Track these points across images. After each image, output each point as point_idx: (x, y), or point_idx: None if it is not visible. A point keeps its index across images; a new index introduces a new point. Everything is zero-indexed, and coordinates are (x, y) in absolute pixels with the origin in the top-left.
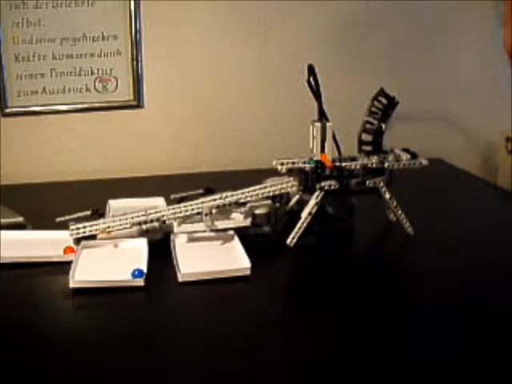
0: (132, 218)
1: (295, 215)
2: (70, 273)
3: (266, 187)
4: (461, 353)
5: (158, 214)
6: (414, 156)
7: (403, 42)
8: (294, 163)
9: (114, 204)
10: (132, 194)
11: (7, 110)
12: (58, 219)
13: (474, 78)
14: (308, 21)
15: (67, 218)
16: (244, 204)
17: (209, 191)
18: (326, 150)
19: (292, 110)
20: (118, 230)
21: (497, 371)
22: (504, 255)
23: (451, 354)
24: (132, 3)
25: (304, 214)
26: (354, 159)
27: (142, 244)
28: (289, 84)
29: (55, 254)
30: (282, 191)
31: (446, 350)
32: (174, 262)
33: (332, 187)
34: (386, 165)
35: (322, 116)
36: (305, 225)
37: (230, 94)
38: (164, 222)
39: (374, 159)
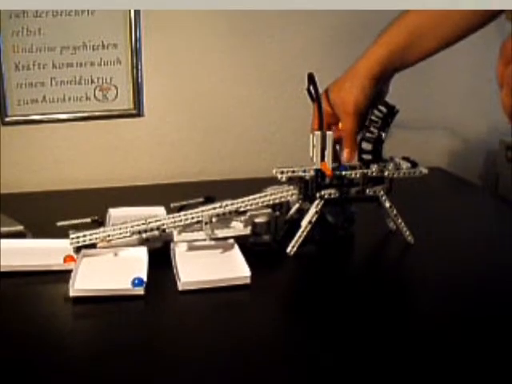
0: (132, 226)
1: (295, 224)
2: (70, 281)
3: (265, 196)
4: (461, 361)
5: (158, 223)
6: (413, 164)
7: None
8: (294, 172)
9: (114, 212)
10: (132, 202)
11: (7, 119)
12: (59, 223)
13: (473, 86)
14: (307, 30)
15: (67, 223)
16: (244, 213)
17: (209, 200)
18: (325, 159)
19: (292, 118)
20: (118, 238)
21: (497, 379)
22: (504, 263)
23: (452, 362)
24: (132, 12)
25: (304, 223)
26: (353, 168)
27: (141, 252)
28: (288, 93)
29: (55, 262)
30: (282, 200)
31: (447, 358)
32: (174, 270)
33: (332, 196)
34: (386, 173)
35: (322, 124)
36: (305, 233)
37: (229, 102)
38: (164, 230)
39: (374, 168)
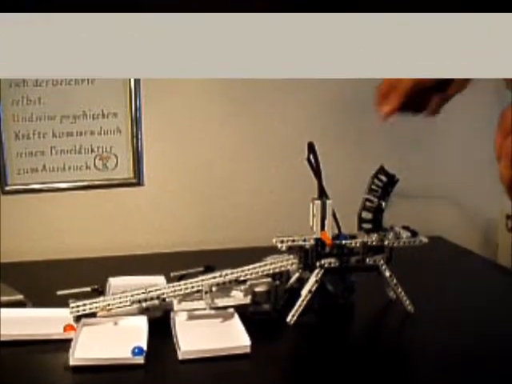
0: (132, 295)
1: (295, 293)
2: (70, 350)
3: (265, 265)
4: None
5: (158, 292)
6: (413, 234)
7: (403, 119)
8: (294, 241)
9: (114, 281)
10: (132, 271)
11: (7, 188)
12: (59, 293)
13: (473, 155)
14: (307, 99)
15: (67, 292)
16: (244, 282)
17: (209, 269)
18: (325, 228)
19: (292, 187)
20: (118, 307)
21: None
22: (505, 333)
23: None
24: (132, 81)
25: (304, 292)
26: (353, 237)
27: (141, 321)
28: (289, 161)
29: (55, 331)
30: (282, 269)
31: None
32: (174, 339)
33: (332, 265)
34: (386, 242)
35: (322, 193)
36: (305, 302)
37: (230, 171)
38: (164, 299)
39: (374, 237)
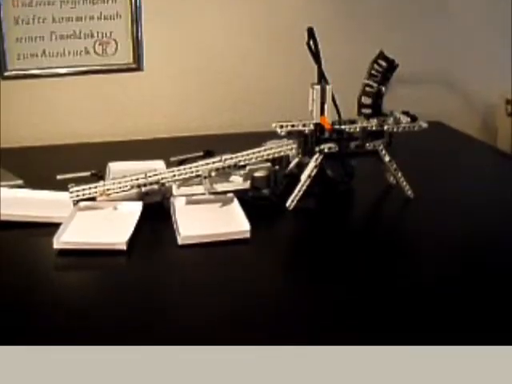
0: (131, 180)
1: (295, 178)
2: (56, 234)
3: (265, 150)
4: (461, 316)
5: (158, 177)
6: (413, 119)
7: (402, 2)
8: (293, 126)
9: (113, 166)
10: (132, 156)
11: (7, 73)
12: (59, 177)
13: (474, 39)
14: None
15: (67, 176)
16: (243, 167)
17: (208, 154)
18: (325, 113)
19: (292, 72)
20: (117, 192)
21: (495, 334)
22: (503, 217)
23: (451, 315)
24: None
25: (303, 177)
26: (353, 122)
27: (136, 207)
28: (289, 47)
29: (56, 214)
30: (282, 154)
31: (447, 311)
32: (174, 225)
33: (331, 150)
34: (386, 127)
35: (322, 78)
36: (304, 187)
37: (230, 56)
38: (163, 184)
39: (374, 122)
